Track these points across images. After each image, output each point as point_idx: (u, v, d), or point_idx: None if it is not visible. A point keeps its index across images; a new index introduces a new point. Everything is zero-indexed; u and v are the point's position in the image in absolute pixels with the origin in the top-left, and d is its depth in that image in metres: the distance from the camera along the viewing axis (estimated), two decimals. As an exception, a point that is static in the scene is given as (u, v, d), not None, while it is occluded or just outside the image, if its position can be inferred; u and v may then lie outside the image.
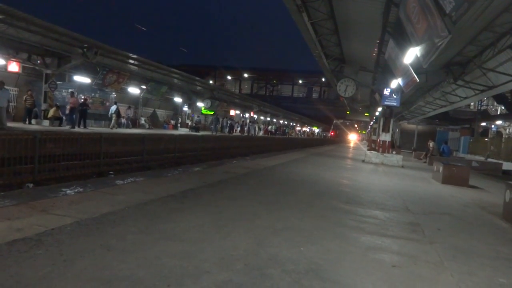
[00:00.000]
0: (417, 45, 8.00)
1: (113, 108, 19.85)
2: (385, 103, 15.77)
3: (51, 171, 9.55)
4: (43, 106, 16.88)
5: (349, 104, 35.25)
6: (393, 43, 10.76)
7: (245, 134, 35.81)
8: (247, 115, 43.31)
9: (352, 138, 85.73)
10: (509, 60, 13.07)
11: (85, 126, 16.47)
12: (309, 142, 45.31)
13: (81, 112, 16.74)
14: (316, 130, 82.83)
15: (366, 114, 39.00)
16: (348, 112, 45.62)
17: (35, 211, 3.99)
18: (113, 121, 19.52)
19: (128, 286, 2.43)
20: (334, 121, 74.74)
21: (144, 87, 24.81)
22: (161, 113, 32.08)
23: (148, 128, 25.05)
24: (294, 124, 64.90)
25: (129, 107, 24.53)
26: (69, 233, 3.35)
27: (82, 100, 17.32)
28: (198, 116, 34.82)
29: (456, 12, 5.72)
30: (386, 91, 15.44)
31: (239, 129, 38.03)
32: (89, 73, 19.29)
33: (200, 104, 31.58)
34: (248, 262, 3.04)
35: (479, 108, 37.80)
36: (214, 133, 26.33)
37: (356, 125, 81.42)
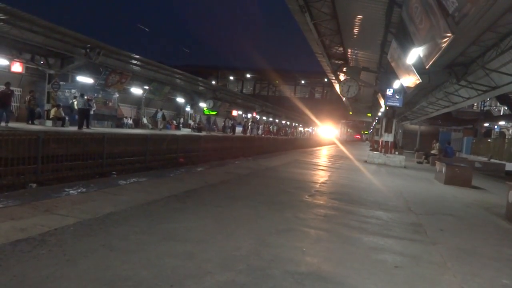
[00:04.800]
0: (420, 45, 7.99)
1: (160, 114, 26.16)
2: (388, 103, 15.73)
3: (54, 171, 9.57)
4: (47, 107, 16.94)
5: (351, 104, 35.24)
6: (396, 44, 10.75)
7: (248, 134, 35.81)
8: (249, 115, 43.31)
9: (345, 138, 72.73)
10: (512, 61, 13.01)
11: (88, 127, 16.51)
12: (311, 143, 45.23)
13: (85, 112, 16.77)
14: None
15: (368, 114, 38.97)
16: (350, 113, 45.57)
17: (38, 211, 4.01)
18: (161, 124, 25.53)
19: (131, 286, 2.44)
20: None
21: (146, 87, 24.88)
22: (159, 112, 32.09)
23: (151, 129, 25.13)
24: (296, 124, 64.83)
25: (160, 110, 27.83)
26: (72, 233, 3.37)
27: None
28: (199, 116, 34.90)
29: (459, 13, 5.71)
30: (389, 92, 15.41)
31: (241, 129, 38.07)
32: (92, 73, 19.36)
33: (202, 105, 31.62)
34: (250, 262, 3.04)
35: (482, 108, 37.63)
36: (207, 132, 26.99)
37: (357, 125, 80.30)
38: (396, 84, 14.55)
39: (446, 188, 9.62)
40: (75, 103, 16.56)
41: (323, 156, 19.45)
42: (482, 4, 7.73)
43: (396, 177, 11.28)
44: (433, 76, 15.31)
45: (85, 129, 15.23)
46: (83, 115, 16.04)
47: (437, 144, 21.08)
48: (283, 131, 52.96)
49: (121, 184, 7.71)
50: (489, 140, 29.53)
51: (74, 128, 15.36)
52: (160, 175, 10.00)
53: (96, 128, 17.51)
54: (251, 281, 2.67)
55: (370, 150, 22.84)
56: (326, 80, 52.66)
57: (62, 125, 16.44)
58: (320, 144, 45.91)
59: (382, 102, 17.72)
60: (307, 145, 39.99)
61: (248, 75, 63.58)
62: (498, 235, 4.97)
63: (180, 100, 31.01)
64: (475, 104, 35.09)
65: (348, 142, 67.00)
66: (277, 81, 64.36)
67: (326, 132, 65.41)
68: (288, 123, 59.43)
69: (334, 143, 51.14)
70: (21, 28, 13.45)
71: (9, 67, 16.41)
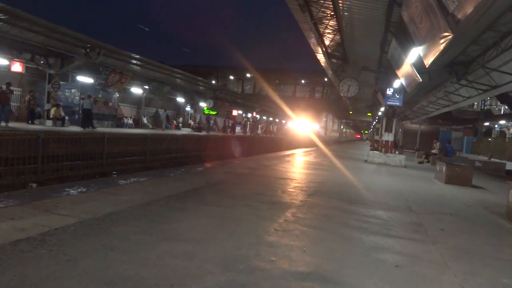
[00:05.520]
0: (420, 44, 7.98)
1: (163, 114, 27.39)
2: (388, 103, 15.72)
3: (54, 171, 9.59)
4: (47, 106, 16.95)
5: (351, 104, 35.24)
6: (396, 43, 10.74)
7: (248, 134, 35.81)
8: (249, 115, 43.31)
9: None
10: (512, 60, 13.00)
11: (88, 127, 16.51)
12: (310, 142, 45.09)
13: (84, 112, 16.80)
14: None
15: (368, 114, 38.96)
16: (350, 112, 45.53)
17: (38, 211, 4.01)
18: (163, 124, 26.32)
19: (131, 286, 2.44)
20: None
21: (146, 87, 24.88)
22: (162, 112, 32.13)
23: (151, 128, 25.13)
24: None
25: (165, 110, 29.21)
26: (72, 233, 3.36)
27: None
28: (199, 116, 34.93)
29: (459, 12, 5.70)
30: (389, 91, 15.40)
31: (241, 128, 38.09)
32: (92, 73, 19.37)
33: (202, 104, 31.65)
34: (250, 262, 3.04)
35: (482, 108, 37.64)
36: (207, 132, 27.10)
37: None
38: (396, 84, 14.54)
39: (447, 188, 9.62)
40: (84, 103, 16.75)
41: (322, 155, 19.43)
42: (482, 3, 7.73)
43: (396, 177, 11.28)
44: (433, 75, 15.31)
45: (86, 129, 15.25)
46: (89, 115, 16.26)
47: (438, 143, 21.05)
48: (283, 131, 52.88)
49: (121, 184, 7.71)
50: (489, 139, 29.54)
51: (74, 128, 15.37)
52: (160, 174, 10.00)
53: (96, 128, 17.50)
54: (251, 281, 2.67)
55: (371, 149, 22.83)
56: (326, 79, 52.54)
57: (62, 125, 16.45)
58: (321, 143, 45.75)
59: (382, 101, 17.71)
60: (307, 144, 39.89)
61: (248, 75, 63.51)
62: (499, 235, 4.97)
63: (180, 100, 31.03)
64: (475, 103, 35.09)
65: (342, 143, 52.78)
66: (277, 81, 64.28)
67: (303, 128, 41.57)
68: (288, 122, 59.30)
69: (336, 142, 45.91)
70: (21, 28, 13.46)
71: (9, 67, 16.41)
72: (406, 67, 10.66)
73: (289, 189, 7.07)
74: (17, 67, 16.61)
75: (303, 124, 41.96)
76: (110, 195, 5.16)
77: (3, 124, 12.98)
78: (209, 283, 2.57)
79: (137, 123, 26.08)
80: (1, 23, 12.81)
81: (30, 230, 3.33)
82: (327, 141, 38.94)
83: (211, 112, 33.15)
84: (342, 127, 59.40)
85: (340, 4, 11.75)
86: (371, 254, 3.54)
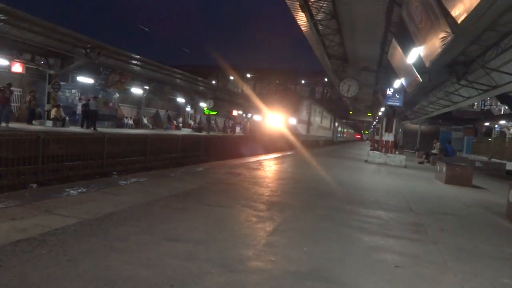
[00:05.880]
0: (420, 45, 7.99)
1: (164, 115, 29.18)
2: (388, 103, 15.72)
3: (55, 172, 9.57)
4: (47, 107, 16.96)
5: (351, 104, 35.23)
6: (396, 43, 10.75)
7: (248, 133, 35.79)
8: (249, 115, 43.33)
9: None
10: (512, 60, 12.99)
11: (88, 127, 16.54)
12: (310, 142, 44.92)
13: (84, 113, 16.83)
14: None
15: (369, 114, 38.96)
16: (350, 112, 45.49)
17: (38, 211, 4.00)
18: (165, 124, 27.86)
19: (131, 286, 2.44)
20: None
21: (146, 87, 24.89)
22: (164, 113, 32.17)
23: (152, 129, 25.14)
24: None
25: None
26: (72, 233, 3.36)
27: (84, 101, 17.42)
28: (199, 116, 34.93)
29: (459, 12, 5.70)
30: (389, 91, 15.40)
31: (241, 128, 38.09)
32: (92, 73, 19.39)
33: (202, 104, 31.67)
34: (250, 262, 3.04)
35: (482, 108, 37.62)
36: (207, 132, 27.17)
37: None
38: (397, 84, 14.54)
39: (447, 188, 9.62)
40: (90, 105, 16.88)
41: (323, 155, 19.43)
42: (482, 3, 7.72)
43: (396, 177, 11.27)
44: (434, 75, 15.32)
45: (85, 129, 15.26)
46: (95, 116, 16.35)
47: (438, 143, 21.04)
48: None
49: (121, 184, 7.68)
50: (489, 139, 29.53)
51: (75, 129, 15.39)
52: (161, 175, 9.95)
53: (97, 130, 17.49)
54: (251, 281, 2.67)
55: (371, 149, 22.83)
56: (326, 79, 52.48)
57: (63, 125, 16.47)
58: (319, 143, 45.60)
59: (382, 101, 17.71)
60: (307, 144, 39.72)
61: (248, 75, 63.59)
62: (499, 235, 4.97)
63: (180, 100, 31.04)
64: (475, 103, 35.10)
65: (338, 144, 42.41)
66: (277, 81, 64.37)
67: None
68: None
69: (334, 142, 42.47)
70: (21, 28, 13.47)
71: (9, 67, 16.43)
72: (406, 67, 10.66)
73: (289, 189, 7.07)
74: (17, 67, 16.63)
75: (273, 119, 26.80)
76: (110, 195, 5.16)
77: (3, 124, 12.99)
78: (209, 283, 2.57)
79: (138, 124, 26.09)
80: (1, 23, 12.82)
81: (31, 230, 3.33)
82: (310, 143, 27.96)
83: (211, 112, 33.16)
84: (337, 124, 44.79)
85: (340, 4, 11.74)
86: (371, 254, 3.54)
